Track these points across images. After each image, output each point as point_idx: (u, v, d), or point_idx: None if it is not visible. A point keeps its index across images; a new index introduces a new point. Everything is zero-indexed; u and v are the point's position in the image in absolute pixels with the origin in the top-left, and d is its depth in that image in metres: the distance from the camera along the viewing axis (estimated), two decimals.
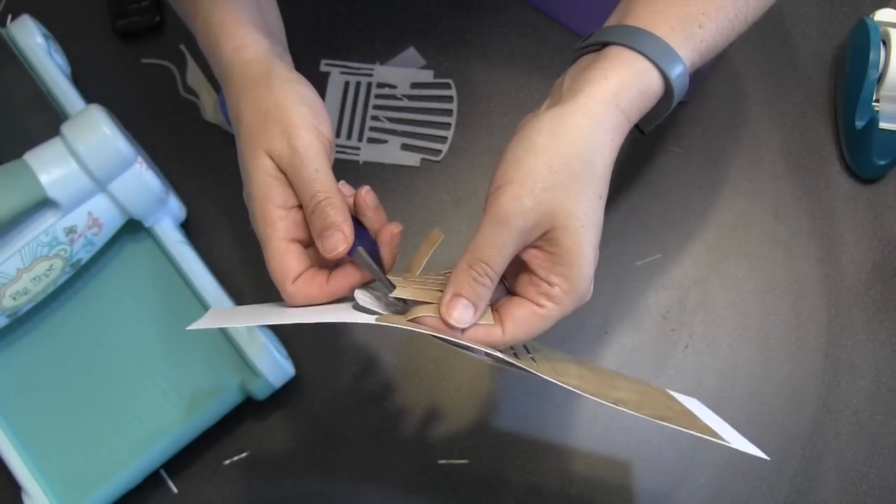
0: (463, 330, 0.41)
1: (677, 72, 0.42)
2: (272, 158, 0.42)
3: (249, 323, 0.44)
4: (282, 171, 0.43)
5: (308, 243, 0.44)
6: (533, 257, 0.41)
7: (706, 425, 0.46)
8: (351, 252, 0.42)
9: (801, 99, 0.69)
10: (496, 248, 0.40)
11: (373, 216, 0.44)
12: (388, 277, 0.43)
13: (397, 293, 0.42)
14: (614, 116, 0.41)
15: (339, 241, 0.41)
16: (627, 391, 0.46)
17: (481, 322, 0.41)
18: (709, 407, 0.60)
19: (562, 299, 0.41)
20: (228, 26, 0.46)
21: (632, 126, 0.43)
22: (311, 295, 0.43)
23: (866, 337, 0.63)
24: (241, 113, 0.44)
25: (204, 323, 0.41)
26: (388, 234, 0.44)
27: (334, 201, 0.41)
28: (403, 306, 0.43)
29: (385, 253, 0.44)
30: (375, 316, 0.41)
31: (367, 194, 0.44)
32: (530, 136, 0.41)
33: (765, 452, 0.59)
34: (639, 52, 0.42)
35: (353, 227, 0.42)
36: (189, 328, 0.40)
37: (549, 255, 0.41)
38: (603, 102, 0.41)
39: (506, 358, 0.41)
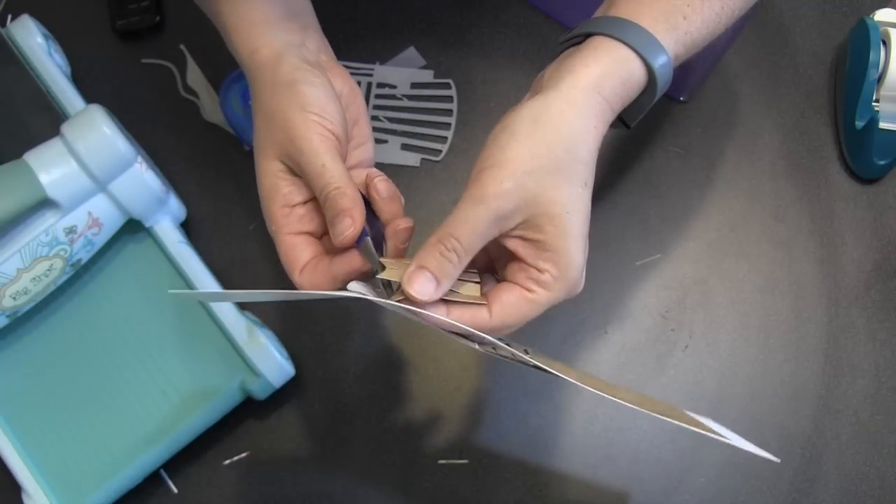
0: (449, 311, 0.41)
1: (660, 62, 0.42)
2: (281, 161, 0.44)
3: (238, 300, 0.44)
4: (293, 171, 0.44)
5: (319, 234, 0.45)
6: (518, 246, 0.41)
7: (710, 427, 0.46)
8: (360, 241, 0.42)
9: (801, 99, 0.69)
10: (469, 225, 0.39)
11: (384, 207, 0.45)
12: (382, 260, 0.42)
13: (384, 275, 0.41)
14: (597, 104, 0.41)
15: (347, 225, 0.42)
16: (629, 395, 0.46)
17: (465, 299, 0.41)
18: (709, 407, 0.61)
19: (552, 285, 0.41)
20: (243, 29, 0.47)
21: (615, 115, 0.43)
22: (316, 281, 0.44)
23: (866, 337, 0.63)
24: (254, 117, 0.46)
25: (192, 294, 0.41)
26: (394, 228, 0.44)
27: (345, 190, 0.42)
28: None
29: (389, 246, 0.44)
30: (363, 294, 0.41)
31: (379, 182, 0.45)
32: (513, 125, 0.41)
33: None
34: (620, 40, 0.42)
35: (366, 216, 0.43)
36: (172, 292, 0.40)
37: (534, 242, 0.40)
38: (584, 90, 0.41)
39: (497, 342, 0.41)
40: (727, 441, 0.44)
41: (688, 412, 0.50)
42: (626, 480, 0.59)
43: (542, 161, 0.40)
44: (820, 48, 0.71)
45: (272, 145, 0.44)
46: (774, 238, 0.65)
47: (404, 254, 0.45)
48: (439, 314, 0.40)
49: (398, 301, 0.40)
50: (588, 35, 0.43)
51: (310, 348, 0.62)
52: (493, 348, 0.42)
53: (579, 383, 0.41)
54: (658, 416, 0.42)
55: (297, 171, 0.44)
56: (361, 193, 0.44)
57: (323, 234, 0.46)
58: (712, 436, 0.44)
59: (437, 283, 0.40)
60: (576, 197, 0.40)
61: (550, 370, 0.41)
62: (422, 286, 0.40)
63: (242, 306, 0.59)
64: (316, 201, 0.45)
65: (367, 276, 0.44)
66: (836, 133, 0.68)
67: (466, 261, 0.40)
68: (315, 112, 0.43)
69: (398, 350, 0.62)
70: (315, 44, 0.49)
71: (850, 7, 0.72)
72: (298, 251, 0.44)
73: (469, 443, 0.60)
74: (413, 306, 0.40)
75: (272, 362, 0.56)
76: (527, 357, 0.41)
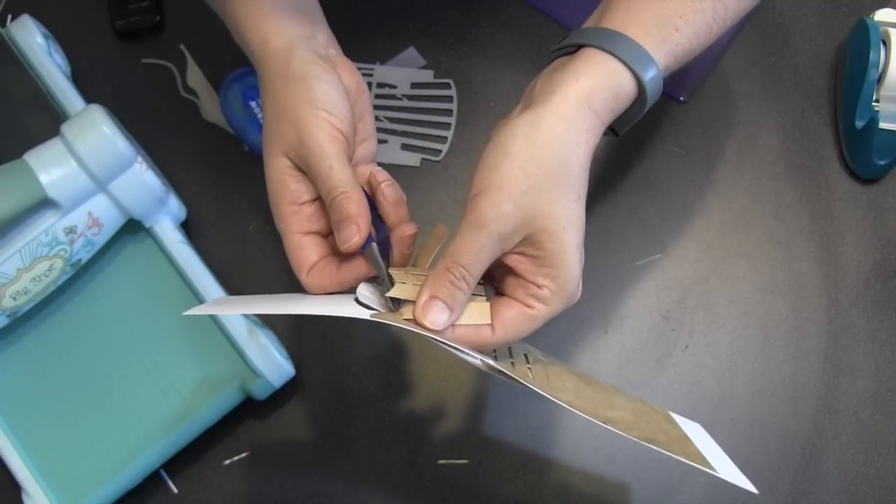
0: (454, 329, 0.41)
1: (650, 74, 0.42)
2: (289, 158, 0.44)
3: (245, 311, 0.44)
4: (300, 167, 0.44)
5: (327, 233, 0.46)
6: (517, 262, 0.41)
7: (699, 452, 0.45)
8: (365, 246, 0.42)
9: (801, 99, 0.69)
10: (474, 252, 0.40)
11: (391, 212, 0.45)
12: (391, 272, 0.43)
13: (392, 293, 0.42)
14: (587, 117, 0.41)
15: (353, 233, 0.42)
16: (623, 411, 0.45)
17: (475, 322, 0.41)
18: (709, 407, 0.61)
19: (550, 300, 0.41)
20: (253, 20, 0.47)
21: (605, 127, 0.43)
22: (323, 284, 0.44)
23: (866, 337, 0.63)
24: (264, 110, 0.46)
25: (201, 309, 0.41)
26: (400, 234, 0.44)
27: (351, 195, 0.42)
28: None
29: (395, 252, 0.45)
30: (372, 312, 0.41)
31: (386, 188, 0.45)
32: (505, 142, 0.41)
33: (765, 452, 0.59)
34: (611, 53, 0.42)
35: (371, 220, 0.43)
36: (186, 313, 0.41)
37: (534, 258, 0.41)
38: (575, 104, 0.41)
39: (498, 367, 0.41)
40: (714, 473, 0.44)
41: (681, 425, 0.49)
42: (626, 480, 0.59)
43: (536, 179, 0.40)
44: (820, 48, 0.71)
45: (280, 140, 0.44)
46: (774, 238, 0.65)
47: (410, 259, 0.45)
48: (445, 333, 0.41)
49: (407, 320, 0.41)
50: (579, 46, 0.43)
51: (310, 348, 0.62)
52: (494, 361, 0.42)
53: (574, 409, 0.41)
54: (646, 443, 0.42)
55: (305, 168, 0.44)
56: (366, 193, 0.45)
57: (330, 233, 0.46)
58: (699, 466, 0.43)
59: (451, 312, 0.41)
60: (570, 211, 0.41)
61: (547, 395, 0.41)
62: (435, 316, 0.40)
63: None
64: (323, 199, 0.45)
65: (375, 279, 0.44)
66: (836, 133, 0.68)
67: (474, 285, 0.41)
68: (325, 109, 0.43)
69: (398, 350, 0.62)
70: (324, 38, 0.49)
71: (850, 7, 0.72)
72: (307, 252, 0.44)
73: (469, 443, 0.60)
74: (420, 328, 0.41)
75: (272, 362, 0.56)
76: (528, 383, 0.41)
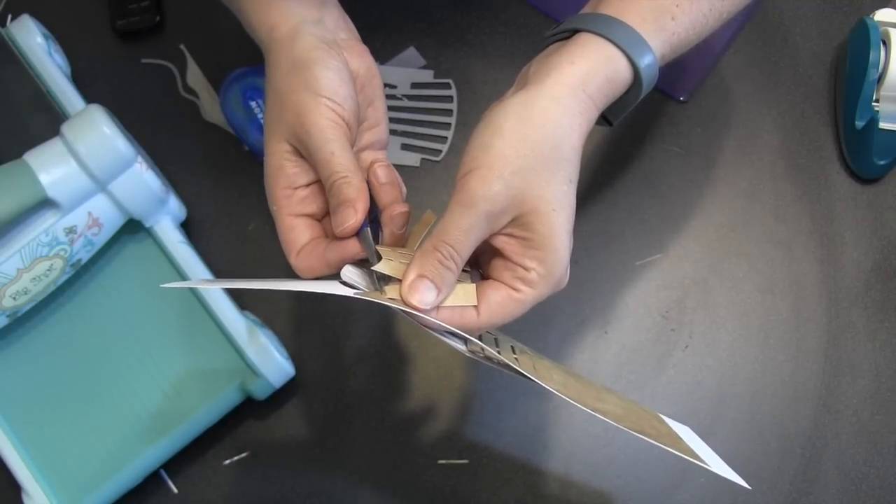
0: (438, 310, 0.40)
1: (646, 61, 0.42)
2: (289, 142, 0.44)
3: (227, 286, 0.44)
4: (299, 152, 0.44)
5: (320, 216, 0.45)
6: (505, 244, 0.41)
7: (689, 448, 0.45)
8: (360, 231, 0.42)
9: (801, 99, 0.69)
10: (462, 231, 0.39)
11: (382, 192, 0.45)
12: (378, 248, 0.42)
13: (378, 267, 0.41)
14: (581, 101, 0.41)
15: (349, 216, 0.42)
16: (612, 405, 0.45)
17: (460, 303, 0.41)
18: (709, 407, 0.61)
19: (538, 283, 0.41)
20: (261, 8, 0.46)
21: (599, 112, 0.43)
22: (312, 267, 0.44)
23: (866, 337, 0.63)
24: (266, 95, 0.46)
25: (183, 284, 0.41)
26: (390, 214, 0.44)
27: (351, 180, 0.42)
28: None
29: (385, 232, 0.44)
30: (355, 290, 0.41)
31: (378, 168, 0.45)
32: (497, 121, 0.41)
33: (765, 452, 0.59)
34: (607, 38, 0.42)
35: (369, 205, 0.42)
36: (165, 286, 0.41)
37: (522, 240, 0.40)
38: (569, 87, 0.41)
39: (482, 346, 0.41)
40: (705, 466, 0.44)
41: (671, 426, 0.49)
42: (626, 480, 0.59)
43: (528, 160, 0.40)
44: (820, 48, 0.71)
45: (281, 126, 0.44)
46: (774, 238, 0.65)
47: (401, 241, 0.45)
48: (429, 314, 0.40)
49: (391, 298, 0.40)
50: (575, 31, 0.43)
51: (310, 348, 0.62)
52: (482, 350, 0.42)
53: (562, 395, 0.40)
54: (636, 434, 0.41)
55: (305, 154, 0.44)
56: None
57: (324, 216, 0.46)
58: (690, 459, 0.43)
59: (438, 292, 0.40)
60: (561, 194, 0.40)
61: (533, 378, 0.40)
62: (422, 296, 0.40)
63: (242, 306, 0.59)
64: (319, 184, 0.45)
65: (363, 263, 0.44)
66: (836, 133, 0.68)
67: (462, 265, 0.41)
68: (327, 96, 0.43)
69: (398, 350, 0.62)
70: (333, 21, 0.48)
71: (850, 7, 0.72)
72: (297, 233, 0.44)
73: (469, 443, 0.60)
74: (404, 306, 0.40)
75: (272, 362, 0.56)
76: (515, 364, 0.41)
